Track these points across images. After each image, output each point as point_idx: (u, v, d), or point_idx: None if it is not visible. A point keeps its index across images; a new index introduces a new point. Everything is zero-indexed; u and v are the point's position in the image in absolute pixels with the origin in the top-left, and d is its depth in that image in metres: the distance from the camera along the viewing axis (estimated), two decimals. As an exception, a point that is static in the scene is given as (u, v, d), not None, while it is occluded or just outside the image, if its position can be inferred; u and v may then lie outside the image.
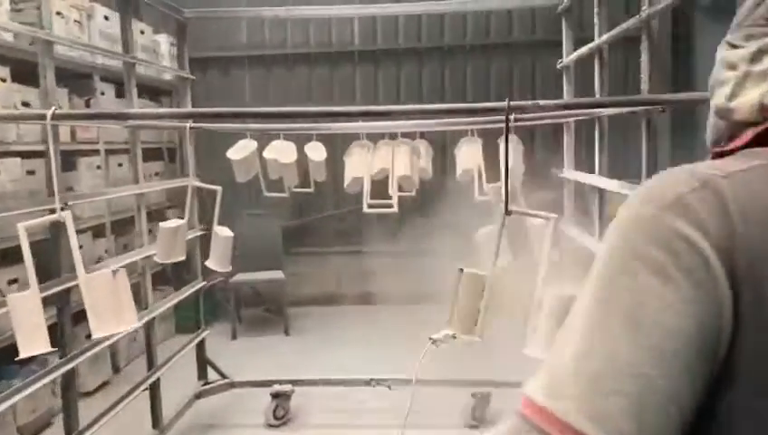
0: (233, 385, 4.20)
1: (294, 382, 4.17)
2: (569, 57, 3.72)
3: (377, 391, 4.22)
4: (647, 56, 2.43)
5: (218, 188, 3.22)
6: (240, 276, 5.89)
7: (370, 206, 2.95)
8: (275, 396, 4.09)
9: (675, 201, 0.66)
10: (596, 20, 3.12)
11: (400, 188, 3.05)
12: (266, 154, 3.63)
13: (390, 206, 2.98)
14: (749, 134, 0.75)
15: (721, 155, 0.80)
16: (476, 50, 6.62)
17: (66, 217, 2.17)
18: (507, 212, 1.93)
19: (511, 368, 4.14)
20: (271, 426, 4.03)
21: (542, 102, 1.95)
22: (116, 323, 2.13)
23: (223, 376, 4.20)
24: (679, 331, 0.63)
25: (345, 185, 3.14)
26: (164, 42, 6.05)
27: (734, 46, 0.79)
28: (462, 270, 1.95)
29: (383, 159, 3.07)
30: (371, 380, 4.13)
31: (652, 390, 0.62)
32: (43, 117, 2.41)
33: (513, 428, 0.67)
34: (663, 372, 0.62)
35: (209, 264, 3.24)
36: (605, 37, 2.80)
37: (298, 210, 6.73)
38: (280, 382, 4.14)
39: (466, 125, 3.39)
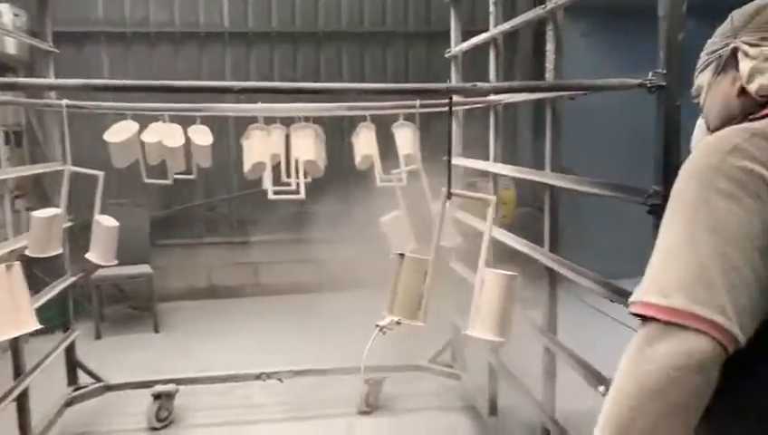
0: (108, 388, 3.86)
1: (178, 381, 3.92)
2: (458, 47, 3.79)
3: (264, 385, 4.08)
4: (552, 45, 2.52)
5: (100, 174, 2.92)
6: (103, 272, 5.42)
7: (276, 193, 2.82)
8: (157, 397, 3.82)
9: (733, 148, 0.91)
10: (491, 9, 3.21)
11: (304, 174, 2.95)
12: (146, 137, 3.36)
13: (296, 192, 2.87)
14: None
15: None
16: (351, 37, 6.58)
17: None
18: (449, 196, 1.92)
19: (404, 353, 4.21)
20: (154, 429, 3.75)
21: (479, 85, 1.96)
22: (13, 325, 1.84)
23: (97, 379, 3.85)
24: (750, 232, 0.86)
25: (245, 171, 2.96)
26: (6, 12, 5.39)
27: (756, 45, 1.06)
28: (402, 255, 1.90)
29: (296, 144, 2.95)
30: (262, 374, 3.98)
31: (739, 276, 0.85)
32: None
33: (642, 334, 0.86)
34: (745, 260, 0.85)
35: (91, 257, 2.93)
36: (507, 26, 2.88)
37: (165, 200, 6.33)
38: (162, 382, 3.87)
39: (364, 110, 3.35)
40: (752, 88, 1.03)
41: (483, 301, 1.84)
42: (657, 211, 1.87)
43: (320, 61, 6.58)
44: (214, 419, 3.97)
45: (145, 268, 5.64)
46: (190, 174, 3.52)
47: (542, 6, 2.55)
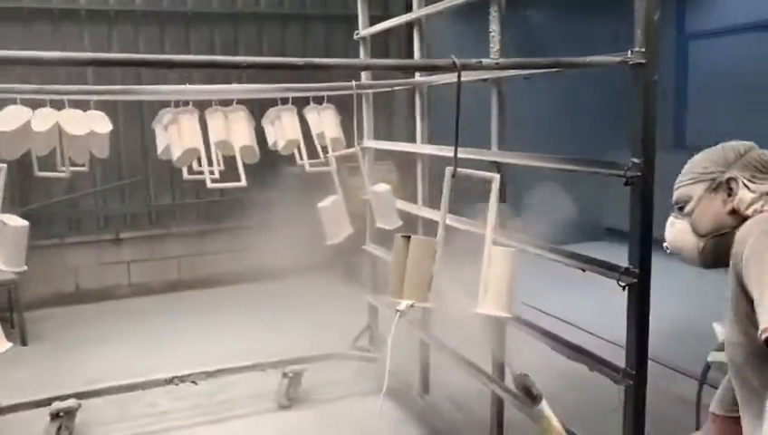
0: (-1, 412, 3.39)
1: (79, 395, 3.54)
2: (366, 29, 3.74)
3: (171, 390, 3.82)
4: (497, 26, 2.58)
5: (3, 166, 2.53)
6: (-47, 281, 4.74)
7: (214, 181, 2.61)
8: (56, 416, 3.42)
9: None
10: (416, -8, 3.22)
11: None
12: (36, 125, 2.96)
13: (217, 180, 2.70)
14: None
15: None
16: (224, 18, 6.26)
17: None
18: (454, 174, 1.89)
19: (320, 342, 4.14)
20: (55, 452, 3.37)
21: (484, 62, 1.95)
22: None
23: (-19, 404, 3.36)
24: None
25: (175, 158, 2.70)
26: None
27: (752, 181, 1.43)
28: (408, 237, 1.85)
29: (219, 128, 2.74)
30: (174, 378, 3.71)
31: None
32: None
33: None
34: None
35: (-4, 262, 2.53)
36: (433, 9, 2.90)
37: (21, 196, 5.64)
38: (60, 398, 3.47)
39: (283, 92, 3.22)
40: (748, 213, 1.41)
41: (491, 278, 1.85)
42: (636, 183, 1.99)
43: (189, 42, 6.19)
44: (122, 432, 3.65)
45: (7, 274, 4.99)
46: (83, 165, 3.18)
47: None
